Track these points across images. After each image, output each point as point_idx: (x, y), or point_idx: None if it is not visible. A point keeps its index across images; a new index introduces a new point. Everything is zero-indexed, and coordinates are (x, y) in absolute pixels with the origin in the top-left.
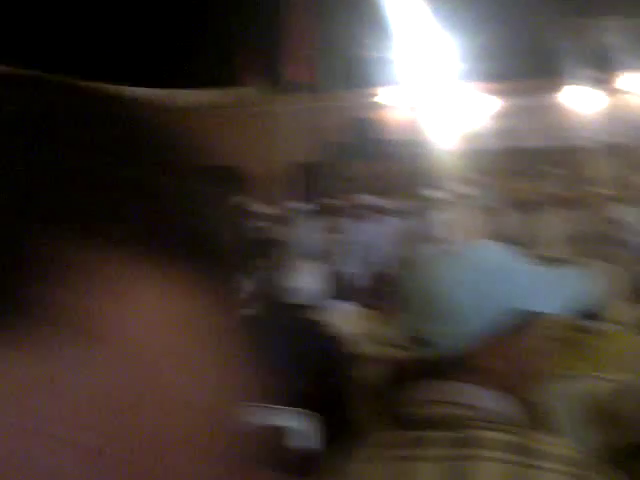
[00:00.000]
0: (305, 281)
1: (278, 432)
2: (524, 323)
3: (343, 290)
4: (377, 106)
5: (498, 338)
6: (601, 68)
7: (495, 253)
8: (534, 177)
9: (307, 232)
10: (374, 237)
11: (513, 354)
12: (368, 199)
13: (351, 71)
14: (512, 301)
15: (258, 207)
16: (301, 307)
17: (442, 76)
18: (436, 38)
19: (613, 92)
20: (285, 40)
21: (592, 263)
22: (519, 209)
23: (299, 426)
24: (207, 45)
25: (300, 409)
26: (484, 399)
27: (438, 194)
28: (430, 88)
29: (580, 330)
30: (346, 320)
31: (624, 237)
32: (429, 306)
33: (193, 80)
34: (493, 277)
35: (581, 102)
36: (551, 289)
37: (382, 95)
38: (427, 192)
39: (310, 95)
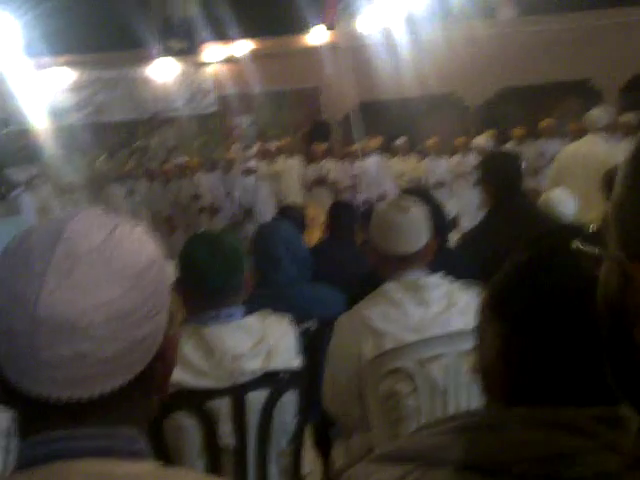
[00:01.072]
0: None
1: None
2: None
3: None
4: None
5: None
6: (185, 39)
7: None
8: (121, 151)
9: None
10: None
11: None
12: None
13: None
14: None
15: None
16: None
17: (17, 51)
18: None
19: (197, 63)
20: None
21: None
22: (104, 184)
23: None
24: None
25: None
26: None
27: (20, 174)
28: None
29: None
30: None
31: (215, 204)
32: None
33: None
34: None
35: (166, 74)
36: None
37: None
38: (8, 172)
39: None
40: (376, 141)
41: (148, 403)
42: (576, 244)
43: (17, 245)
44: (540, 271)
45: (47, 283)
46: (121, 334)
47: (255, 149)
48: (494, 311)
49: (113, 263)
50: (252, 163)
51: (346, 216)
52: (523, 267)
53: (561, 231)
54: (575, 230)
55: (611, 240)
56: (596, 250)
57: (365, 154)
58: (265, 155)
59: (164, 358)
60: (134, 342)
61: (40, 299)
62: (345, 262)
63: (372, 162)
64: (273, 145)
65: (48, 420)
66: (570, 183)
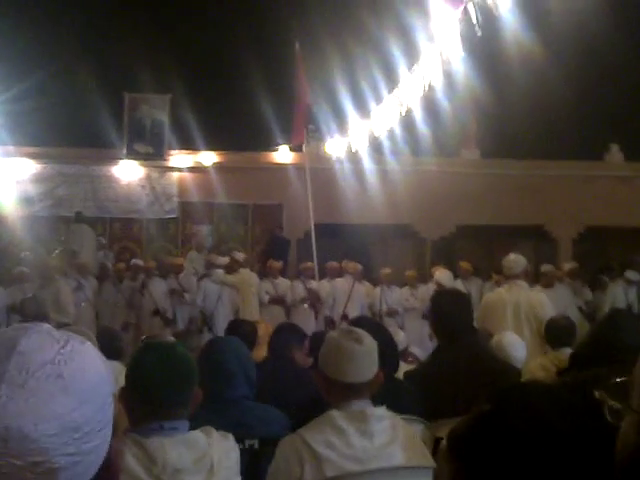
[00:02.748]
0: None
1: None
2: None
3: None
4: None
5: None
6: (152, 144)
7: None
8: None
9: None
10: None
11: None
12: None
13: None
14: None
15: None
16: None
17: None
18: None
19: (163, 168)
20: None
21: None
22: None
23: None
24: None
25: None
26: None
27: None
28: None
29: None
30: None
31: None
32: None
33: None
34: None
35: (130, 175)
36: None
37: None
38: None
39: None
40: (354, 265)
41: None
42: (600, 395)
43: None
44: (501, 423)
45: (0, 395)
46: (71, 446)
47: (226, 258)
48: (454, 454)
49: (65, 377)
50: (219, 271)
51: (287, 337)
52: (485, 417)
53: (523, 387)
54: (536, 387)
55: (635, 396)
56: (619, 404)
57: (334, 275)
58: (234, 265)
59: (109, 468)
60: (83, 454)
61: None
62: (283, 383)
63: (343, 283)
64: (241, 256)
65: None
66: (497, 329)
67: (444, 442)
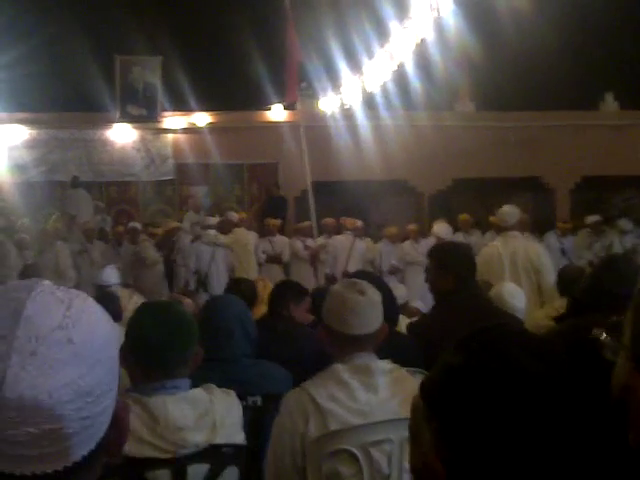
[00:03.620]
0: None
1: None
2: None
3: None
4: None
5: None
6: (145, 106)
7: None
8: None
9: None
10: None
11: None
12: None
13: None
14: None
15: None
16: None
17: None
18: None
19: (157, 130)
20: None
21: None
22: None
23: None
24: None
25: None
26: None
27: None
28: None
29: None
30: None
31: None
32: None
33: None
34: None
35: (124, 138)
36: None
37: None
38: None
39: None
40: (352, 222)
41: (99, 469)
42: (596, 331)
43: None
44: (475, 374)
45: (12, 365)
46: (85, 410)
47: (216, 218)
48: (430, 409)
49: (76, 342)
50: (211, 231)
51: (286, 294)
52: (458, 368)
53: (493, 332)
54: (507, 331)
55: (627, 332)
56: (615, 342)
57: (331, 231)
58: (226, 225)
59: (117, 425)
60: (95, 416)
61: (5, 381)
62: (282, 340)
63: (343, 240)
64: (235, 216)
65: None
66: (494, 280)
67: (417, 395)
